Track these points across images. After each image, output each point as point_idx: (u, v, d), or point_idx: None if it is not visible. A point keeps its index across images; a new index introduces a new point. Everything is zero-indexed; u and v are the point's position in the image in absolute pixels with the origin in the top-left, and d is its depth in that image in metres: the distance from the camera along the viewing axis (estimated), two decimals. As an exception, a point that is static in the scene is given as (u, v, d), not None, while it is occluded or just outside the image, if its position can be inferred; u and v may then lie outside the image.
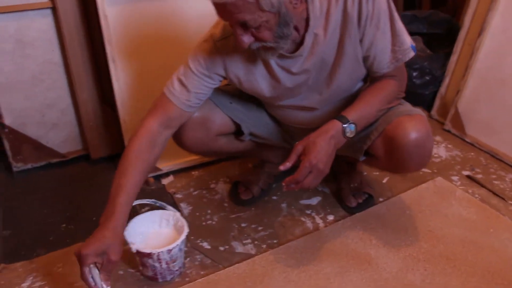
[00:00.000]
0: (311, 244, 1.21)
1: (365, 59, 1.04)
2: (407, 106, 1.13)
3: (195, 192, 1.47)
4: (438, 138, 1.76)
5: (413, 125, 1.04)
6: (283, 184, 1.00)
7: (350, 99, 1.12)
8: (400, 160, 1.10)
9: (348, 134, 1.01)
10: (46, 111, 1.53)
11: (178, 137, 1.17)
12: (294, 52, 1.00)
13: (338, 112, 1.05)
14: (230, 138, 1.26)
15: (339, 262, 1.15)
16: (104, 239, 0.92)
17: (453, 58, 1.79)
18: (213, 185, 1.51)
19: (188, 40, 1.35)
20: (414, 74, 1.84)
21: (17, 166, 1.54)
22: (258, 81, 1.07)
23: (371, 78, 1.11)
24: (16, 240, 1.27)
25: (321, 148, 0.97)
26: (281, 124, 1.29)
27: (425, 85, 1.87)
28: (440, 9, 2.01)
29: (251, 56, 1.04)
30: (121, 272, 1.15)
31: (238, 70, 1.06)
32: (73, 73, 1.45)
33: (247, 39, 0.89)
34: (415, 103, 1.29)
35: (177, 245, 1.07)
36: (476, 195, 1.42)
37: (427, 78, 1.86)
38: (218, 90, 1.19)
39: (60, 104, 1.53)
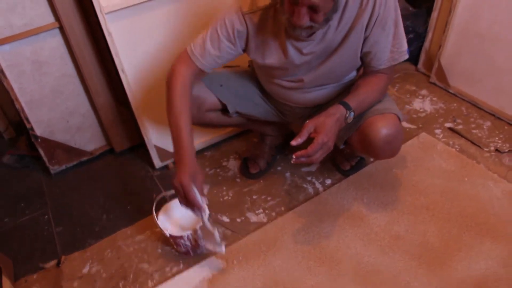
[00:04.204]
0: (313, 208, 1.43)
1: (366, 54, 1.17)
2: (385, 104, 1.24)
3: (211, 172, 1.68)
4: (424, 92, 1.91)
5: (383, 125, 1.17)
6: (294, 156, 1.08)
7: (338, 88, 1.28)
8: (372, 153, 1.26)
9: (348, 120, 1.15)
10: (69, 118, 1.72)
11: None
12: (309, 37, 1.12)
13: (323, 96, 1.21)
14: (218, 114, 1.43)
15: (337, 221, 1.37)
16: (190, 167, 1.12)
17: (434, 14, 1.89)
18: (225, 163, 1.72)
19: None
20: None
21: (54, 169, 1.77)
22: (272, 52, 1.19)
23: (365, 71, 1.24)
24: (69, 235, 1.52)
25: (330, 128, 1.09)
26: (272, 102, 1.44)
27: (409, 42, 1.98)
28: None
29: (270, 34, 1.17)
30: (160, 251, 1.40)
31: (257, 41, 1.19)
32: (88, 81, 1.63)
33: (306, 19, 1.00)
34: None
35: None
36: (456, 146, 1.60)
37: (411, 36, 1.98)
38: (212, 74, 1.32)
39: (80, 110, 1.73)
